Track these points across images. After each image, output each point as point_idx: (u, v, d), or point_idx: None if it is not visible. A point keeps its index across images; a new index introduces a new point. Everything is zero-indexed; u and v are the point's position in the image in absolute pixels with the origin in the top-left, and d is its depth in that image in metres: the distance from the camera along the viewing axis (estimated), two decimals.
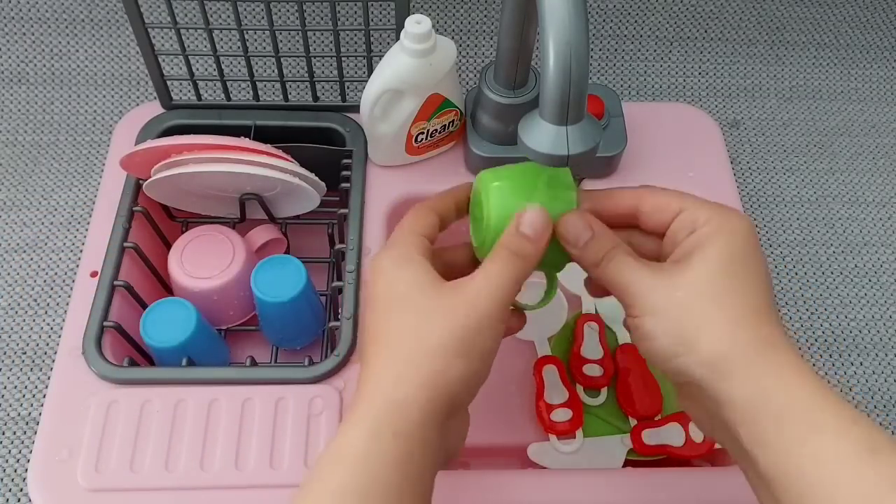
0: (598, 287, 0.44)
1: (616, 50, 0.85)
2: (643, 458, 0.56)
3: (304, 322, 0.59)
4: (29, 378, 0.65)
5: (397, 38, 0.54)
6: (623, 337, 0.61)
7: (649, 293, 0.38)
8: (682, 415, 0.56)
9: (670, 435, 0.56)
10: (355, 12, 0.81)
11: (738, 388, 0.35)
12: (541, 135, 0.42)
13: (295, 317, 0.58)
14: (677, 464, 0.57)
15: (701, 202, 0.40)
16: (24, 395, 0.64)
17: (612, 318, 0.61)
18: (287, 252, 0.65)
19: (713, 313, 0.37)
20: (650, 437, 0.56)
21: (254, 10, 0.80)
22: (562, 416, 0.56)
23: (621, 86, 0.83)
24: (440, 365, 0.37)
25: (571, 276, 0.63)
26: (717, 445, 0.51)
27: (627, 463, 0.56)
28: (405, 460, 0.35)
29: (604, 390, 0.58)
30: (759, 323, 0.37)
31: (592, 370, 0.58)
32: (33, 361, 0.66)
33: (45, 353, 0.66)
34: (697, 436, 0.55)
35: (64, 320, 0.54)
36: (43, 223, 0.72)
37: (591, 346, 0.59)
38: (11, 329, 0.67)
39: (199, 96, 0.64)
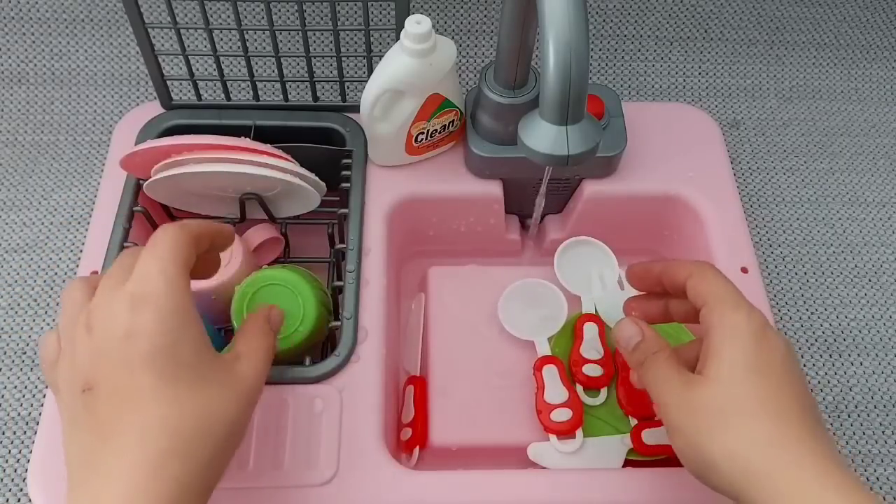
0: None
1: (616, 50, 0.85)
2: (643, 458, 0.56)
3: None
4: (29, 378, 0.65)
5: (397, 38, 0.54)
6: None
7: (676, 410, 0.42)
8: None
9: None
10: (355, 12, 0.81)
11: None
12: (541, 135, 0.42)
13: None
14: (677, 464, 0.57)
15: (719, 299, 0.44)
16: (24, 395, 0.64)
17: (613, 318, 0.61)
18: (287, 252, 0.65)
19: (727, 437, 0.40)
20: (650, 437, 0.55)
21: (254, 10, 0.80)
22: (562, 416, 0.56)
23: (621, 86, 0.83)
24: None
25: (571, 276, 0.63)
26: None
27: (627, 463, 0.56)
28: None
29: (604, 390, 0.58)
30: (777, 440, 0.39)
31: (592, 370, 0.58)
32: (33, 361, 0.66)
33: None
34: None
35: None
36: (43, 223, 0.72)
37: (591, 346, 0.59)
38: (11, 329, 0.67)
39: (199, 96, 0.64)
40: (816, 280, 0.73)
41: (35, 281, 0.69)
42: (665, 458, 0.55)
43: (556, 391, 0.57)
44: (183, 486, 0.36)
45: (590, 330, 0.60)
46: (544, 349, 0.60)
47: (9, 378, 0.65)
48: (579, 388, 0.58)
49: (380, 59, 0.56)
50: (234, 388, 0.40)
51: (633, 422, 0.57)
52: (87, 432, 0.37)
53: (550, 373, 0.58)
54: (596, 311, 0.62)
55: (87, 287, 0.41)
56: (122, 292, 0.38)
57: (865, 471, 0.64)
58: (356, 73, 0.75)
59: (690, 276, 0.46)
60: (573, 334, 0.60)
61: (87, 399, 0.37)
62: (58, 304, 0.68)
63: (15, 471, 0.61)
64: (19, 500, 0.60)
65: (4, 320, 0.67)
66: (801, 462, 0.38)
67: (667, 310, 0.50)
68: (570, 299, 0.63)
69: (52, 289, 0.69)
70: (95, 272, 0.56)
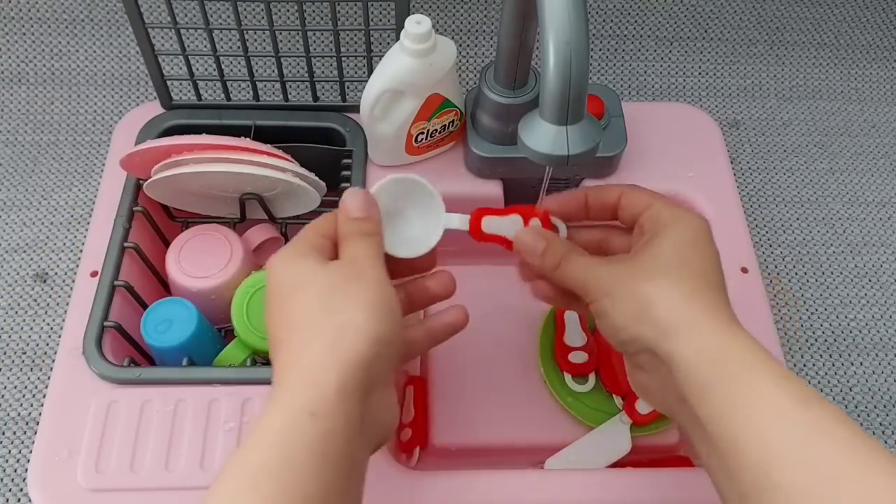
0: (555, 293, 0.47)
1: (616, 50, 0.85)
2: (648, 429, 0.57)
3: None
4: (29, 378, 0.65)
5: (397, 38, 0.54)
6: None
7: (605, 280, 0.42)
8: None
9: None
10: (355, 12, 0.81)
11: (683, 347, 0.38)
12: (541, 135, 0.42)
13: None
14: (676, 461, 0.58)
15: (668, 202, 0.44)
16: (24, 395, 0.64)
17: None
18: None
19: (665, 286, 0.40)
20: (643, 405, 0.57)
21: (254, 10, 0.80)
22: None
23: (621, 86, 0.83)
24: (350, 337, 0.37)
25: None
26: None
27: (634, 443, 0.56)
28: (325, 440, 0.35)
29: (591, 376, 0.60)
30: (708, 296, 0.40)
31: (578, 357, 0.59)
32: (33, 361, 0.66)
33: (45, 353, 0.66)
34: None
35: (64, 320, 0.54)
36: (43, 223, 0.72)
37: (574, 334, 0.60)
38: (11, 329, 0.67)
39: (199, 96, 0.64)
40: (816, 280, 0.73)
41: (35, 281, 0.69)
42: (666, 457, 0.57)
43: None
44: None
45: (570, 317, 0.61)
46: None
47: (9, 378, 0.65)
48: (567, 377, 0.59)
49: (380, 59, 0.56)
50: (345, 281, 0.42)
51: (619, 401, 0.58)
52: None
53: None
54: None
55: None
56: None
57: None
58: (356, 73, 0.75)
59: (623, 192, 0.46)
60: (555, 324, 0.61)
61: None
62: (58, 304, 0.68)
63: (15, 471, 0.61)
64: (19, 500, 0.60)
65: (4, 320, 0.67)
66: (719, 315, 0.40)
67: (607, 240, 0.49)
68: None
69: (52, 289, 0.69)
70: (95, 273, 0.55)
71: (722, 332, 0.39)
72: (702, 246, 0.43)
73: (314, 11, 0.81)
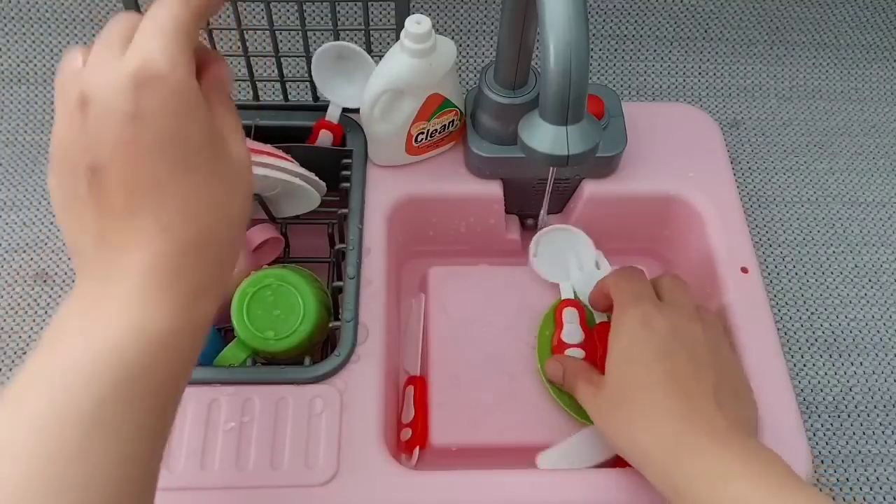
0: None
1: (616, 50, 0.85)
2: None
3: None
4: None
5: (397, 38, 0.54)
6: (599, 316, 0.62)
7: (594, 416, 0.51)
8: None
9: None
10: (355, 12, 0.81)
11: (653, 478, 0.46)
12: (541, 135, 0.42)
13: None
14: None
15: (617, 301, 0.52)
16: None
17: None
18: (287, 252, 0.65)
19: (620, 429, 0.48)
20: None
21: (253, 10, 0.80)
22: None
23: (621, 86, 0.83)
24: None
25: (547, 266, 0.63)
26: None
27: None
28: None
29: None
30: (656, 424, 0.46)
31: (575, 354, 0.59)
32: None
33: None
34: None
35: None
36: (43, 223, 0.72)
37: (572, 331, 0.60)
38: (11, 329, 0.67)
39: None
40: (816, 280, 0.73)
41: (35, 281, 0.69)
42: None
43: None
44: (200, 283, 0.35)
45: (570, 315, 0.60)
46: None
47: (9, 378, 0.65)
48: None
49: (380, 59, 0.56)
50: (238, 172, 0.37)
51: None
52: (92, 217, 0.34)
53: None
54: (575, 295, 0.62)
55: (86, 55, 0.35)
56: (122, 67, 0.33)
57: (865, 471, 0.64)
58: None
59: (608, 285, 0.54)
60: (554, 322, 0.61)
61: (92, 180, 0.33)
62: (58, 304, 0.68)
63: None
64: None
65: (4, 320, 0.67)
66: (656, 431, 0.45)
67: None
68: (550, 287, 0.63)
69: (52, 289, 0.69)
70: None
71: (678, 464, 0.44)
72: (636, 353, 0.48)
73: (314, 11, 0.81)
